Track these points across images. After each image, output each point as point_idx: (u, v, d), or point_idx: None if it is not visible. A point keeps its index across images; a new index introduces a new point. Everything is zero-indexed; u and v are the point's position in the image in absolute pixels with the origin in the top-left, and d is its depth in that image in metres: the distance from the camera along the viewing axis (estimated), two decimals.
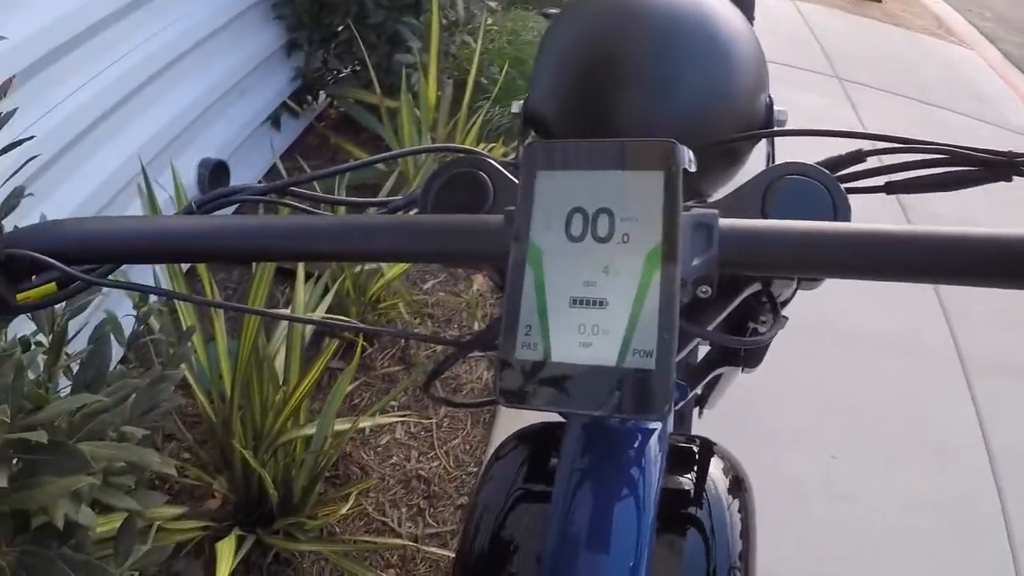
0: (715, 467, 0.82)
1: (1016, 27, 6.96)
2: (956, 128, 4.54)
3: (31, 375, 1.08)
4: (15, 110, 1.11)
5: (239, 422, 1.70)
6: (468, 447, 2.22)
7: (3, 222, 0.60)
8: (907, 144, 0.66)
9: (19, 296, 0.59)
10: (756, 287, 0.65)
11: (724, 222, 0.53)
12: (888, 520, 2.12)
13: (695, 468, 0.81)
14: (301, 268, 2.00)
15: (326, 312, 2.09)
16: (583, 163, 0.54)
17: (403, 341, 2.49)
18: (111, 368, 1.12)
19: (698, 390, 0.99)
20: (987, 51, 6.22)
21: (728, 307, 0.63)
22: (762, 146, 0.91)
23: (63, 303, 0.94)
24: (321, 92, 3.35)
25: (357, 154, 3.05)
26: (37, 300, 0.60)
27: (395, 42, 3.02)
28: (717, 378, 1.07)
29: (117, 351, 1.25)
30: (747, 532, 0.78)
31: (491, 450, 2.05)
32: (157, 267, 1.77)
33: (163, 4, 2.33)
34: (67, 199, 1.94)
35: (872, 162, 0.70)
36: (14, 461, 0.84)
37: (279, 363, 1.82)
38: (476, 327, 2.62)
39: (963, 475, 2.31)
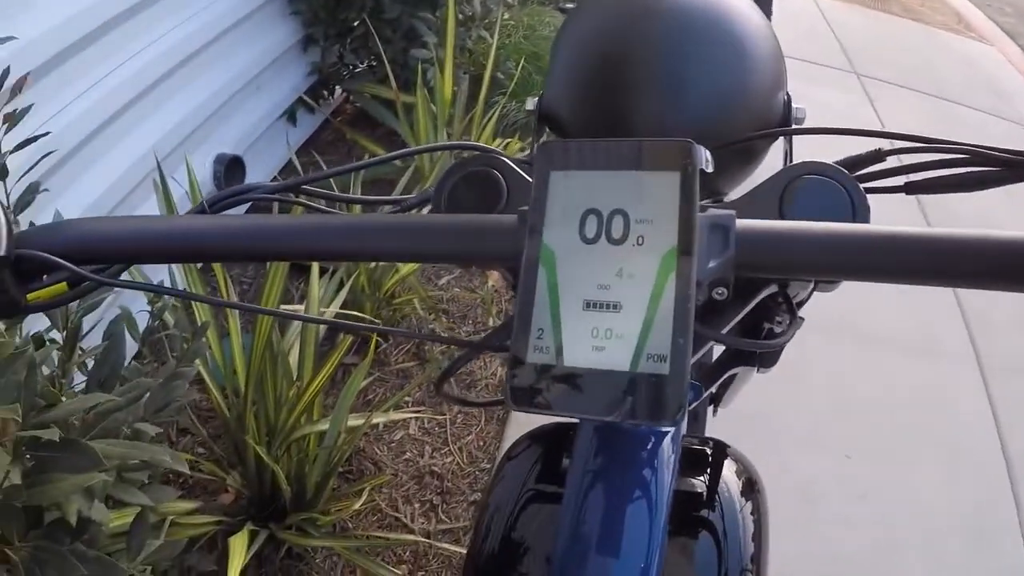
0: (728, 469, 0.81)
1: None
2: (974, 124, 4.50)
3: (46, 370, 1.08)
4: (30, 107, 1.12)
5: (253, 417, 1.71)
6: (482, 443, 2.22)
7: (17, 220, 0.60)
8: (927, 143, 0.65)
9: (29, 296, 0.59)
10: (772, 288, 0.64)
11: (741, 223, 0.52)
12: (901, 522, 2.11)
13: (708, 470, 0.80)
14: (316, 264, 2.00)
15: (341, 307, 2.09)
16: (598, 163, 0.53)
17: None
18: (125, 363, 1.13)
19: (713, 389, 0.98)
20: (1007, 47, 6.16)
21: (744, 309, 0.62)
22: (780, 143, 0.90)
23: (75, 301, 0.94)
24: (337, 87, 3.35)
25: (373, 149, 3.05)
26: (47, 300, 0.60)
27: (411, 37, 3.02)
28: (732, 377, 1.06)
29: (132, 346, 1.26)
30: (759, 534, 0.77)
31: (505, 447, 2.05)
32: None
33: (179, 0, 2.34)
34: (82, 195, 1.95)
35: (891, 161, 0.69)
36: (27, 458, 0.84)
37: (293, 359, 1.82)
38: (491, 323, 2.62)
39: (979, 479, 2.29)
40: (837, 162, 0.63)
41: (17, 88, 1.14)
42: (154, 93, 2.24)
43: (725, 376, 0.94)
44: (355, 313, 2.21)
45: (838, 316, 2.72)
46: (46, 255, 0.57)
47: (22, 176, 1.12)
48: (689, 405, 0.88)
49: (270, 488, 1.77)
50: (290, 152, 2.97)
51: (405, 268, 2.37)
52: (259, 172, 2.88)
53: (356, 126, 3.33)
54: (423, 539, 1.93)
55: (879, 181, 0.69)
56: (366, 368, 1.80)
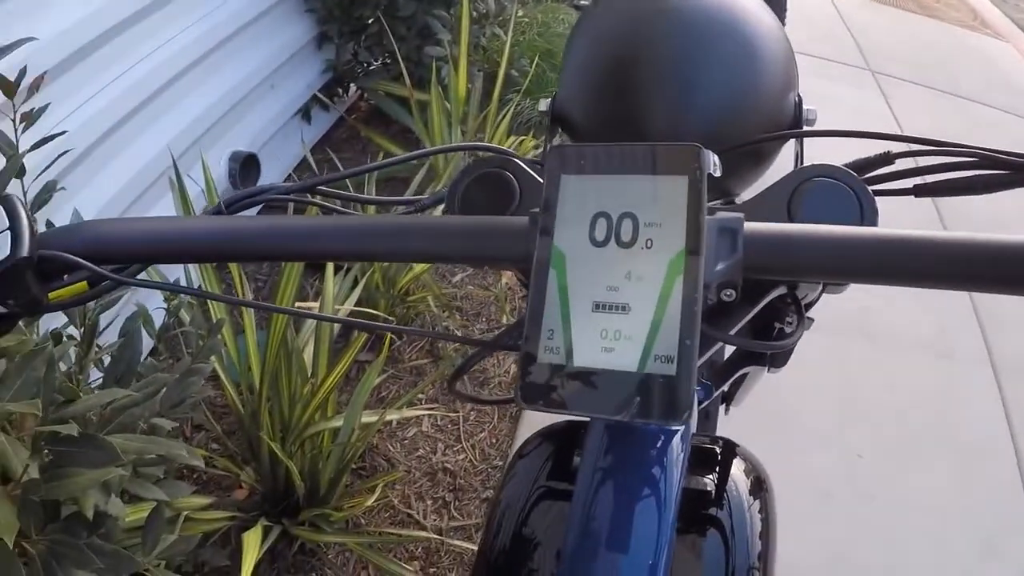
0: (737, 468, 0.81)
1: None
2: (990, 122, 4.47)
3: (63, 366, 1.09)
4: (47, 106, 1.13)
5: (267, 414, 1.72)
6: (494, 440, 2.23)
7: (35, 218, 0.61)
8: (936, 146, 0.66)
9: (51, 295, 0.60)
10: (781, 290, 0.65)
11: (749, 226, 0.53)
12: (911, 523, 2.11)
13: (717, 469, 0.80)
14: (330, 262, 2.01)
15: (355, 305, 2.10)
16: (607, 167, 0.54)
17: None
18: (141, 360, 1.14)
19: (724, 388, 0.99)
20: (1023, 44, 6.13)
21: (753, 310, 0.63)
22: (791, 144, 0.91)
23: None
24: (351, 85, 3.37)
25: (387, 147, 3.06)
26: (68, 299, 0.61)
27: (425, 35, 3.03)
28: (744, 376, 1.07)
29: (147, 343, 1.27)
30: (767, 533, 0.78)
31: (517, 444, 2.06)
32: None
33: None
34: (98, 193, 1.97)
35: (901, 162, 0.70)
36: (45, 453, 0.85)
37: (308, 355, 1.83)
38: (504, 321, 2.62)
39: (990, 480, 2.28)
40: (846, 164, 0.64)
41: (34, 87, 1.15)
42: (169, 91, 2.26)
43: (736, 375, 0.94)
44: (369, 311, 2.22)
45: (848, 315, 2.72)
46: (67, 255, 0.59)
47: (39, 175, 1.14)
48: (700, 404, 0.89)
49: (284, 484, 1.78)
50: (305, 150, 2.99)
51: (419, 266, 2.38)
52: (274, 169, 2.89)
53: (370, 123, 3.34)
54: (435, 536, 1.94)
55: (888, 184, 0.69)
56: (380, 365, 1.81)
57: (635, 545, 0.60)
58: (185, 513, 1.40)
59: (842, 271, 0.52)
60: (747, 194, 0.74)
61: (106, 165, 2.02)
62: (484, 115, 2.97)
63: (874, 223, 0.59)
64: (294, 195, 0.73)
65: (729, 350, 1.00)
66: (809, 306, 0.74)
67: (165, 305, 1.36)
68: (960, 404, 2.52)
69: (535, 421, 2.06)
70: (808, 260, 0.52)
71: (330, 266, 1.99)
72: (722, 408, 1.37)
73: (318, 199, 0.75)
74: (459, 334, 2.57)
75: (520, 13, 3.81)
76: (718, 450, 0.82)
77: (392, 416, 1.98)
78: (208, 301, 1.77)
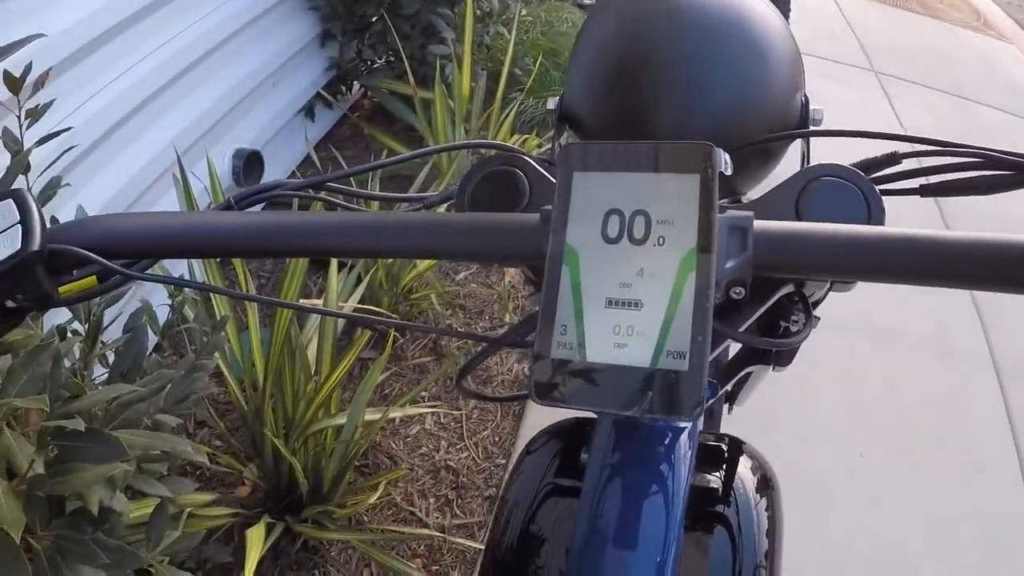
0: (744, 466, 0.82)
1: None
2: (993, 123, 4.47)
3: (67, 362, 1.09)
4: (52, 102, 1.13)
5: (271, 411, 1.72)
6: (497, 439, 2.23)
7: (47, 218, 0.61)
8: (943, 147, 0.66)
9: (61, 289, 0.61)
10: (789, 288, 0.65)
11: (759, 224, 0.53)
12: (912, 524, 2.11)
13: (724, 466, 0.81)
14: (334, 259, 2.01)
15: (359, 302, 2.10)
16: (619, 165, 0.54)
17: None
18: (146, 356, 1.14)
19: (728, 387, 0.99)
20: None
21: (761, 308, 0.63)
22: (797, 144, 0.91)
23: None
24: (355, 82, 3.37)
25: (390, 145, 3.06)
26: (78, 293, 0.62)
27: (429, 33, 3.03)
28: (748, 375, 1.07)
29: (151, 339, 1.27)
30: (773, 531, 0.78)
31: (520, 442, 2.06)
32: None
33: None
34: (102, 189, 1.97)
35: (906, 162, 0.70)
36: (51, 448, 0.85)
37: (311, 353, 1.83)
38: (508, 319, 2.63)
39: (993, 481, 2.28)
40: (853, 164, 0.64)
41: (39, 83, 1.15)
42: (173, 88, 2.26)
43: (741, 374, 0.95)
44: (373, 308, 2.22)
45: (852, 314, 2.72)
46: (78, 250, 0.59)
47: (43, 171, 1.14)
48: (706, 402, 0.89)
49: (287, 481, 1.78)
50: (308, 147, 2.99)
51: (423, 264, 2.38)
52: (277, 167, 2.89)
53: (374, 121, 3.34)
54: (438, 533, 1.94)
55: (894, 183, 0.69)
56: (383, 363, 1.81)
57: (643, 542, 0.60)
58: (188, 509, 1.40)
59: (850, 269, 0.52)
60: (753, 193, 0.75)
61: (110, 162, 2.02)
62: (488, 114, 2.97)
63: (881, 222, 0.59)
64: (302, 192, 0.74)
65: (734, 349, 1.00)
66: (816, 304, 0.74)
67: (169, 301, 1.36)
68: (961, 404, 2.52)
69: (538, 420, 2.06)
70: (817, 258, 0.52)
71: (334, 263, 1.99)
72: (725, 407, 1.37)
73: (324, 195, 0.75)
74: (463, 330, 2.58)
75: (524, 12, 3.81)
76: (725, 448, 0.82)
77: (395, 414, 1.98)
78: (213, 298, 1.77)
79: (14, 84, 1.07)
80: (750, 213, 0.53)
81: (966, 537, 2.09)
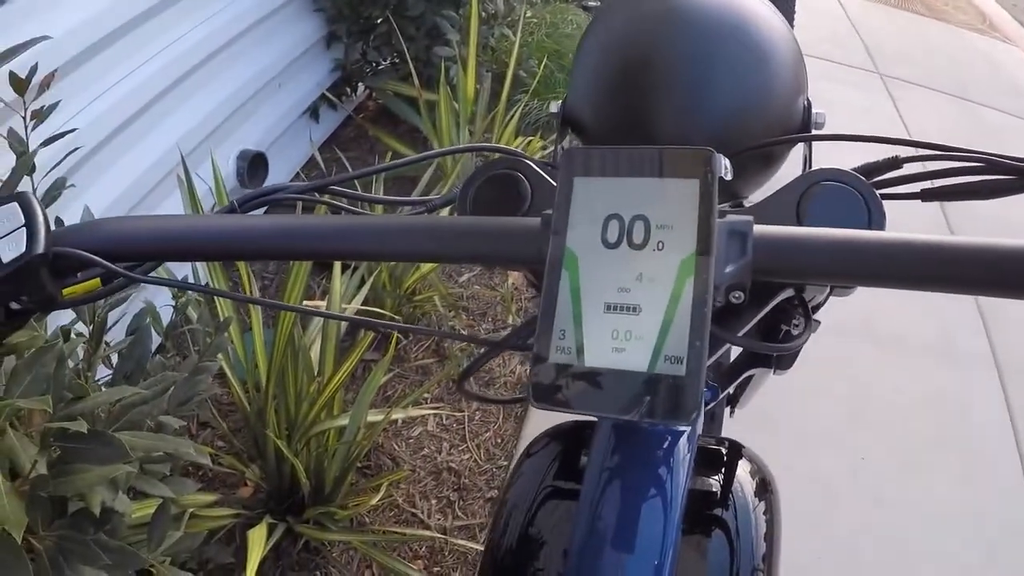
0: (742, 469, 0.82)
1: None
2: (998, 126, 4.47)
3: (71, 363, 1.09)
4: (58, 103, 1.13)
5: (273, 412, 1.72)
6: (499, 440, 2.23)
7: (52, 221, 0.62)
8: (944, 151, 0.66)
9: (65, 291, 0.61)
10: (789, 292, 0.65)
11: (758, 229, 0.53)
12: (913, 526, 2.11)
13: (723, 470, 0.81)
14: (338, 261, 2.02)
15: (362, 304, 2.10)
16: (620, 170, 0.54)
17: None
18: (150, 357, 1.14)
19: (730, 390, 0.99)
20: None
21: (761, 312, 0.63)
22: (799, 148, 0.91)
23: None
24: (360, 84, 3.37)
25: (395, 146, 3.06)
26: (82, 295, 0.62)
27: (434, 35, 3.03)
28: (749, 378, 1.07)
29: (155, 339, 1.27)
30: (771, 535, 0.78)
31: (522, 444, 2.06)
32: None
33: None
34: (107, 190, 1.97)
35: (908, 167, 0.70)
36: (53, 449, 0.85)
37: (314, 354, 1.84)
38: (511, 321, 2.63)
39: (995, 484, 2.28)
40: (854, 169, 0.64)
41: (44, 85, 1.15)
42: (178, 89, 2.27)
43: (742, 377, 0.95)
44: (376, 310, 2.22)
45: (853, 317, 2.72)
46: (82, 253, 0.59)
47: (48, 172, 1.14)
48: (706, 405, 0.89)
49: (289, 482, 1.78)
50: (313, 148, 2.99)
51: (426, 266, 2.38)
52: (282, 168, 2.90)
53: (378, 123, 3.34)
54: (439, 535, 1.94)
55: (895, 188, 0.69)
56: (386, 364, 1.81)
57: (641, 545, 0.60)
58: (190, 510, 1.40)
59: (849, 274, 0.52)
60: (756, 196, 0.75)
61: (115, 163, 2.02)
62: (492, 115, 2.97)
63: (882, 227, 0.59)
64: (306, 195, 0.74)
65: (735, 352, 1.00)
66: (816, 308, 0.74)
67: (173, 303, 1.36)
68: (963, 406, 2.52)
69: (540, 421, 2.06)
70: (816, 263, 0.52)
71: (337, 265, 1.99)
72: (727, 410, 1.37)
73: (328, 198, 0.76)
74: (466, 334, 2.58)
75: (529, 14, 3.81)
76: (724, 451, 0.82)
77: (398, 415, 1.99)
78: (216, 299, 1.77)
79: (20, 85, 1.07)
80: (750, 218, 0.53)
81: (967, 538, 2.09)
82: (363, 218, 0.62)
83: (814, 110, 0.87)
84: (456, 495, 2.07)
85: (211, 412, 1.84)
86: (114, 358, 1.20)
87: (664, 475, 0.64)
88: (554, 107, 0.95)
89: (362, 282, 2.18)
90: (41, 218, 0.59)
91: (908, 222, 3.02)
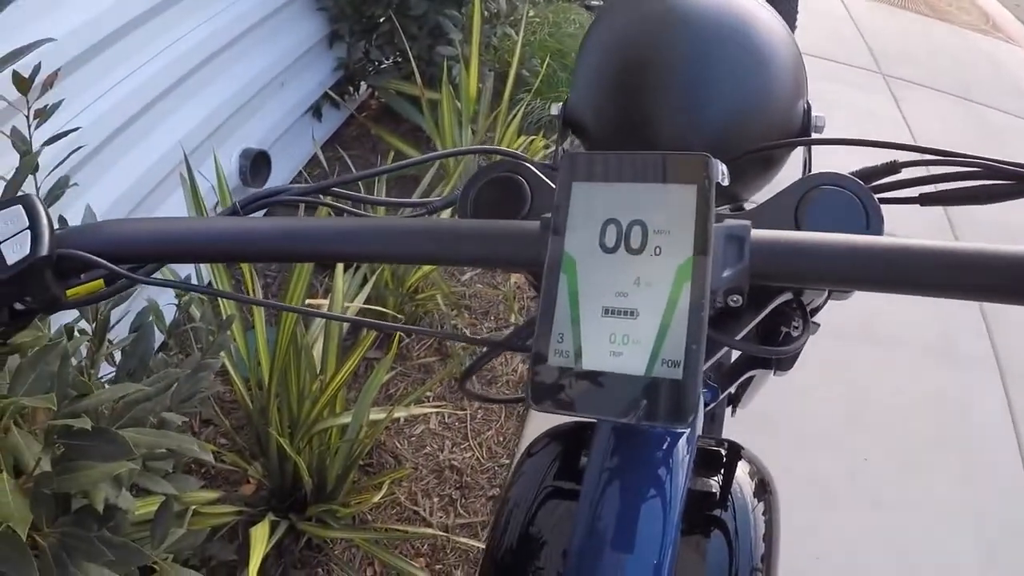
0: (742, 470, 0.82)
1: None
2: (1001, 127, 4.46)
3: (75, 361, 1.10)
4: (61, 102, 1.14)
5: (276, 410, 1.72)
6: (501, 439, 2.23)
7: (55, 220, 0.63)
8: (942, 156, 0.66)
9: (69, 292, 0.62)
10: (787, 296, 0.65)
11: (756, 233, 0.53)
12: (915, 528, 2.11)
13: (722, 471, 0.81)
14: None
15: (364, 302, 2.11)
16: (618, 175, 0.55)
17: None
18: (153, 354, 1.15)
19: (731, 391, 0.99)
20: None
21: (759, 316, 0.64)
22: (799, 151, 0.91)
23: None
24: (362, 83, 3.37)
25: (397, 145, 3.07)
26: (85, 296, 0.63)
27: (437, 34, 3.03)
28: (750, 379, 1.07)
29: (158, 338, 1.28)
30: (770, 535, 0.78)
31: (523, 443, 2.06)
32: None
33: None
34: (110, 189, 1.98)
35: (907, 171, 0.70)
36: (57, 446, 0.86)
37: (317, 352, 1.84)
38: (513, 320, 2.63)
39: (996, 486, 2.28)
40: (853, 173, 0.64)
41: (47, 84, 1.16)
42: (181, 88, 2.27)
43: (743, 378, 0.95)
44: (378, 309, 2.23)
45: (854, 319, 2.72)
46: (86, 254, 0.60)
47: (51, 171, 1.14)
48: (707, 407, 0.89)
49: (291, 480, 1.79)
50: (315, 147, 2.99)
51: (428, 266, 2.39)
52: (284, 167, 2.90)
53: (381, 122, 3.34)
54: (441, 533, 1.94)
55: (894, 192, 0.70)
56: (388, 363, 1.81)
57: (640, 545, 0.60)
58: (193, 507, 1.41)
59: (846, 279, 0.53)
60: (756, 199, 0.75)
61: (118, 161, 2.02)
62: (495, 115, 2.97)
63: (879, 231, 0.60)
64: (308, 196, 0.74)
65: (736, 352, 1.00)
66: (815, 311, 0.75)
67: (176, 301, 1.37)
68: (965, 408, 2.52)
69: (542, 421, 2.06)
70: (813, 268, 0.53)
71: (339, 265, 2.00)
72: (728, 410, 1.38)
73: (330, 200, 0.76)
74: (467, 333, 2.58)
75: (531, 13, 3.81)
76: (723, 452, 0.83)
77: (400, 413, 1.99)
78: (218, 298, 1.78)
79: (23, 85, 1.07)
80: (747, 222, 0.54)
81: (969, 539, 2.09)
82: (364, 220, 0.62)
83: (814, 113, 0.87)
84: (458, 493, 2.08)
85: (214, 410, 1.85)
86: (117, 355, 1.20)
87: (663, 476, 0.64)
88: (555, 108, 0.96)
89: (364, 280, 2.18)
90: (45, 220, 0.60)
91: (912, 226, 3.03)
